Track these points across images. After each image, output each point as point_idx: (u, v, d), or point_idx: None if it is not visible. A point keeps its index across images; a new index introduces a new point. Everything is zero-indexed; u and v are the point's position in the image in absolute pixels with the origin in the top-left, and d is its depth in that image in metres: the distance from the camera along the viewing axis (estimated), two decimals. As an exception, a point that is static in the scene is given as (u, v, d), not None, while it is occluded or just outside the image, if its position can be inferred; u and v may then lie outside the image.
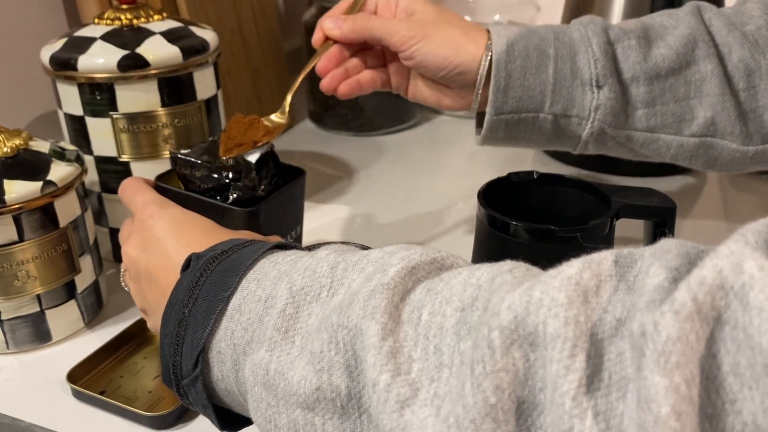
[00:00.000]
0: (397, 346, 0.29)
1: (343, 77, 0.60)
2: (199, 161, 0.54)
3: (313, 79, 1.00)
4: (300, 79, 0.59)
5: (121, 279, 0.51)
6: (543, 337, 0.25)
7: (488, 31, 0.57)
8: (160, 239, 0.45)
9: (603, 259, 0.27)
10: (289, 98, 0.59)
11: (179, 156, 0.55)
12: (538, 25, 0.58)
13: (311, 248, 0.39)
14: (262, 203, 0.54)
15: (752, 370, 0.21)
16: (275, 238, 0.52)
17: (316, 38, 0.60)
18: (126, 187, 0.52)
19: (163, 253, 0.44)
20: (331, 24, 0.59)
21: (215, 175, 0.54)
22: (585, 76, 0.54)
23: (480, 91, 0.56)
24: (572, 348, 0.24)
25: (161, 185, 0.55)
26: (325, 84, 0.60)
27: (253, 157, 0.54)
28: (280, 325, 0.34)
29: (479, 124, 0.59)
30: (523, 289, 0.27)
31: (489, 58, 0.55)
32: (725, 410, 0.22)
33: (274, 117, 0.58)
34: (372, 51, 0.62)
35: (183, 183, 0.56)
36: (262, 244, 0.40)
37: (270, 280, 0.36)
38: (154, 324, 0.45)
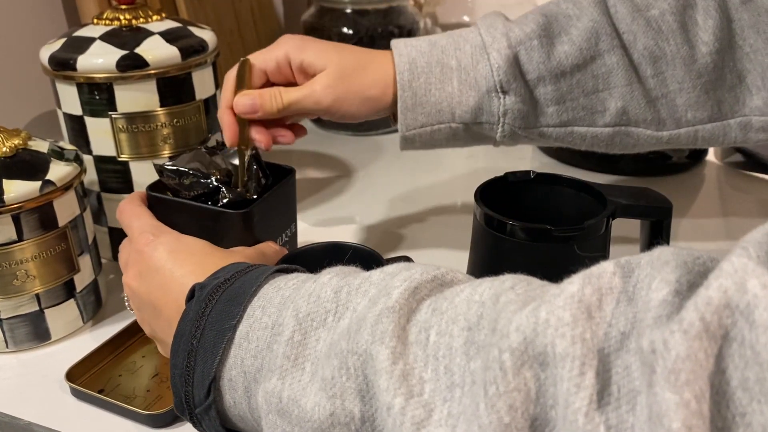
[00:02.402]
0: (408, 369, 0.30)
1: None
2: (186, 169, 0.54)
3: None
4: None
5: (126, 304, 0.52)
6: (552, 356, 0.26)
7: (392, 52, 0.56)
8: (159, 270, 0.45)
9: (602, 272, 0.28)
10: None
11: (165, 167, 0.55)
12: (439, 34, 0.58)
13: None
14: (255, 204, 0.54)
15: (761, 385, 0.22)
16: (269, 245, 0.53)
17: (230, 123, 0.56)
18: (123, 210, 0.53)
19: (163, 285, 0.45)
20: (246, 106, 0.55)
21: (204, 181, 0.54)
22: (488, 84, 0.54)
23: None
24: (581, 366, 0.25)
25: (153, 195, 0.55)
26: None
27: (237, 161, 0.55)
28: (289, 352, 0.34)
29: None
30: (530, 309, 0.28)
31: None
32: (735, 423, 0.23)
33: None
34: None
35: (173, 193, 0.56)
36: (263, 269, 0.40)
37: (275, 307, 0.37)
38: (165, 351, 0.46)
